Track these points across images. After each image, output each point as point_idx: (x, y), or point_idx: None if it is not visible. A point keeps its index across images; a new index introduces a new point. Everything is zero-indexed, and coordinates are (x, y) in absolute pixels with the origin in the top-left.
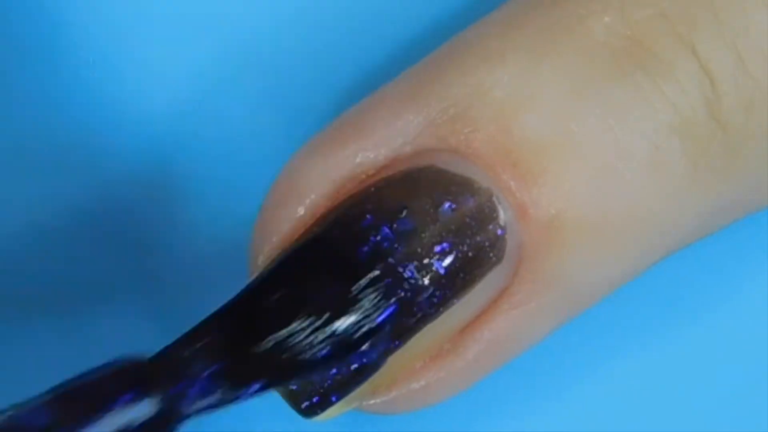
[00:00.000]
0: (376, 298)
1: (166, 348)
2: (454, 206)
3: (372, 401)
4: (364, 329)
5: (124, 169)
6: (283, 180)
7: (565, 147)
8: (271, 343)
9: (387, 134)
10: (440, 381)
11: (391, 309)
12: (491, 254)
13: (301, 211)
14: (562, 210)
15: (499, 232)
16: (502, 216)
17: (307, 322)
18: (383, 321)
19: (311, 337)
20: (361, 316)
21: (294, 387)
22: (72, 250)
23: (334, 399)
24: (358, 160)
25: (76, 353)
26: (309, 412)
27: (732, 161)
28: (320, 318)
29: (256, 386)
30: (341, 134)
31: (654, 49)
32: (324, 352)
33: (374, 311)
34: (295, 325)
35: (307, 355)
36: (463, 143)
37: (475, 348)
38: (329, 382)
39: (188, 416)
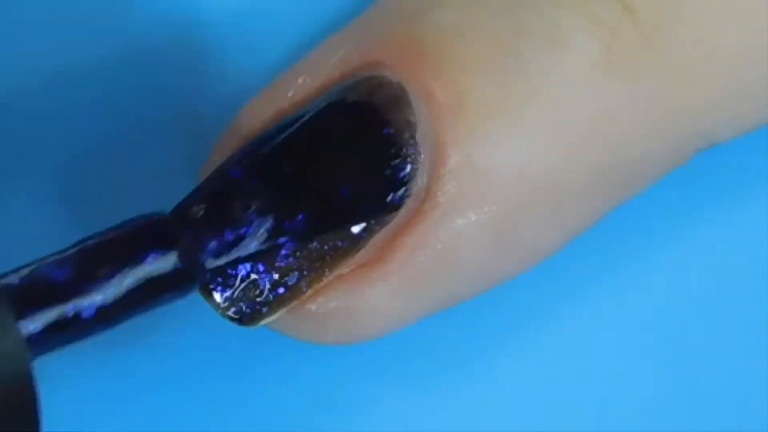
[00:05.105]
0: None
1: (186, 202)
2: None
3: (302, 311)
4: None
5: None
6: (233, 120)
7: (464, 31)
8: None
9: (314, 71)
10: (371, 296)
11: None
12: (406, 134)
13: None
14: (467, 90)
15: (410, 116)
16: (412, 101)
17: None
18: None
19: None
20: None
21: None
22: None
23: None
24: (289, 94)
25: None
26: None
27: (648, 48)
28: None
29: (282, 239)
30: (281, 78)
31: None
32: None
33: None
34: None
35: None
36: (376, 53)
37: (400, 253)
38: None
39: (210, 271)
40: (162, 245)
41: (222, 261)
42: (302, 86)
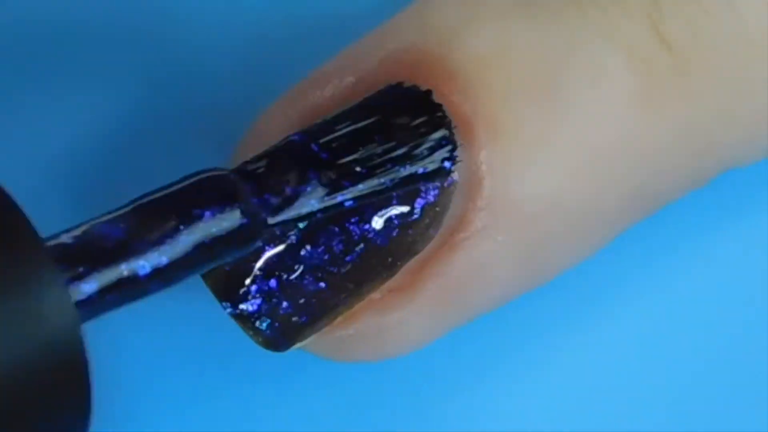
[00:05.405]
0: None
1: (247, 162)
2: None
3: (332, 335)
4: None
5: None
6: (252, 126)
7: (503, 58)
8: (350, 158)
9: (341, 79)
10: (401, 320)
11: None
12: (445, 165)
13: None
14: (505, 122)
15: (446, 143)
16: (449, 129)
17: (378, 149)
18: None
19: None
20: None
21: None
22: None
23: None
24: (316, 102)
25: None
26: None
27: (683, 81)
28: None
29: (340, 197)
30: (304, 84)
31: None
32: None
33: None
34: (367, 149)
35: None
36: (411, 73)
37: (433, 281)
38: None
39: (271, 227)
40: (221, 201)
41: (283, 217)
42: (328, 92)
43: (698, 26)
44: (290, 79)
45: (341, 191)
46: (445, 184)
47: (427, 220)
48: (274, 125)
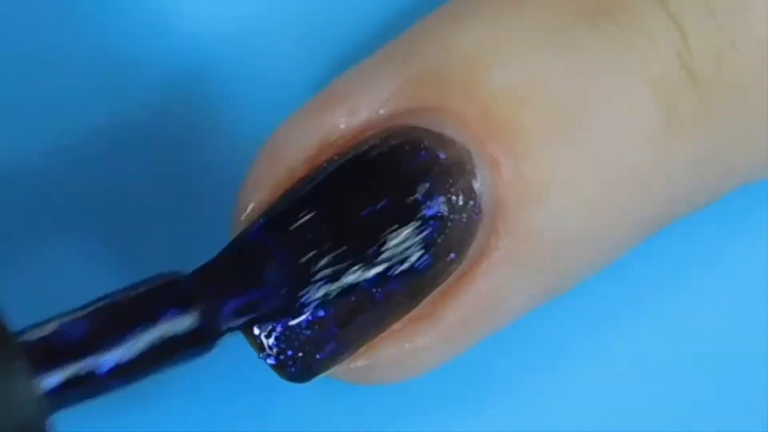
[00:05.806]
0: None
1: (206, 265)
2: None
3: (353, 365)
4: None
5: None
6: (268, 144)
7: (533, 96)
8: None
9: (362, 100)
10: (421, 347)
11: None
12: (469, 204)
13: (281, 173)
14: (527, 152)
15: (474, 183)
16: (476, 166)
17: (341, 253)
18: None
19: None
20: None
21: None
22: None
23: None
24: (336, 123)
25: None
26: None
27: (707, 112)
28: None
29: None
30: (321, 102)
31: (624, 1)
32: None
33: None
34: (327, 254)
35: (347, 278)
36: (436, 101)
37: (455, 310)
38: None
39: (226, 331)
40: (179, 304)
41: (241, 321)
42: (341, 124)
43: (724, 59)
44: (307, 90)
45: (303, 293)
46: (474, 218)
47: (452, 255)
48: (291, 142)
